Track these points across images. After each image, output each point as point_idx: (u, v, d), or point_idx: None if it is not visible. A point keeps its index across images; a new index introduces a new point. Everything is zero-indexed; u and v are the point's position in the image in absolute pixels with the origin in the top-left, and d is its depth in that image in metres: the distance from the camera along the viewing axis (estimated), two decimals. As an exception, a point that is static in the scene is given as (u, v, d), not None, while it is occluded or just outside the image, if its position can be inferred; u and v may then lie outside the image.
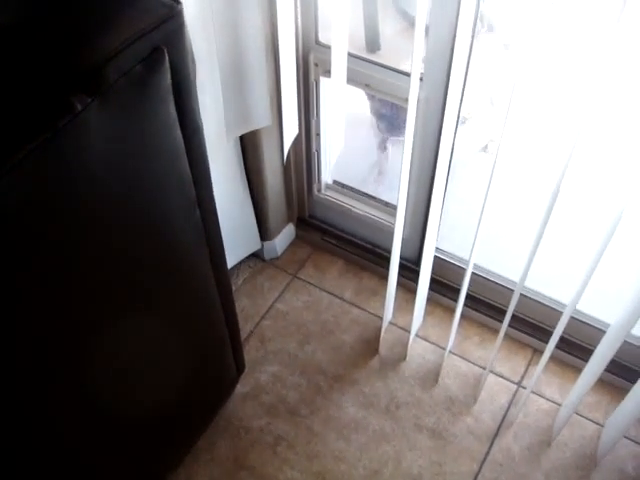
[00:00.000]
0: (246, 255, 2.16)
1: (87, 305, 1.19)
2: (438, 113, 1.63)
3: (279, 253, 2.20)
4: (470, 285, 1.80)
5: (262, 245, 2.17)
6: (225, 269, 1.62)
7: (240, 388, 1.92)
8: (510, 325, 1.88)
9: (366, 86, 1.77)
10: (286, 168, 2.00)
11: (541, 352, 1.79)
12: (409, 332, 1.97)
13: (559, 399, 1.91)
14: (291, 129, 1.81)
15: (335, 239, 2.18)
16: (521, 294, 1.81)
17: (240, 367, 1.86)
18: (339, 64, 1.63)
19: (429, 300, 2.01)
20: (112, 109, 1.01)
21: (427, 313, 2.04)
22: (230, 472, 1.81)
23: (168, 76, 1.09)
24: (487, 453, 1.83)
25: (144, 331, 1.40)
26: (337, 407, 1.90)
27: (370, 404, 1.91)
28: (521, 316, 1.97)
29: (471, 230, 1.61)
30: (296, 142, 1.95)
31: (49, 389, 1.22)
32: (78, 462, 1.41)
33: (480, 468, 1.81)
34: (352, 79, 1.73)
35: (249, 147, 1.87)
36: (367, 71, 1.71)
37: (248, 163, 1.93)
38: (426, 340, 2.02)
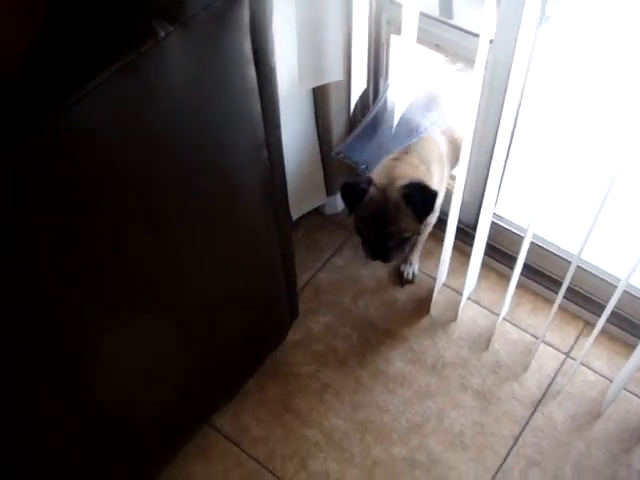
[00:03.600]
0: (310, 209, 2.21)
1: (150, 234, 1.26)
2: (505, 77, 1.64)
3: (339, 209, 2.25)
4: (527, 254, 1.81)
5: (326, 201, 2.21)
6: (287, 214, 1.68)
7: (292, 335, 1.99)
8: (564, 296, 1.89)
9: (436, 46, 1.78)
10: (353, 126, 2.04)
11: (593, 325, 1.80)
12: (462, 295, 2.00)
13: (607, 373, 1.92)
14: (359, 84, 1.85)
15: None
16: (577, 266, 1.82)
17: (293, 314, 1.92)
18: (410, 22, 1.65)
19: (484, 265, 2.02)
20: (192, 40, 1.06)
21: (481, 277, 2.06)
22: (276, 414, 1.88)
23: (246, 14, 1.14)
24: (529, 418, 1.85)
25: (204, 267, 1.47)
26: (385, 361, 1.95)
27: (418, 361, 1.95)
28: (575, 288, 1.97)
29: (532, 198, 1.63)
30: (364, 101, 1.99)
31: (116, 317, 1.31)
32: (136, 382, 1.49)
33: (521, 432, 1.84)
34: (422, 39, 1.75)
35: (319, 101, 1.91)
36: (438, 31, 1.73)
37: (318, 117, 1.97)
38: (478, 304, 2.05)
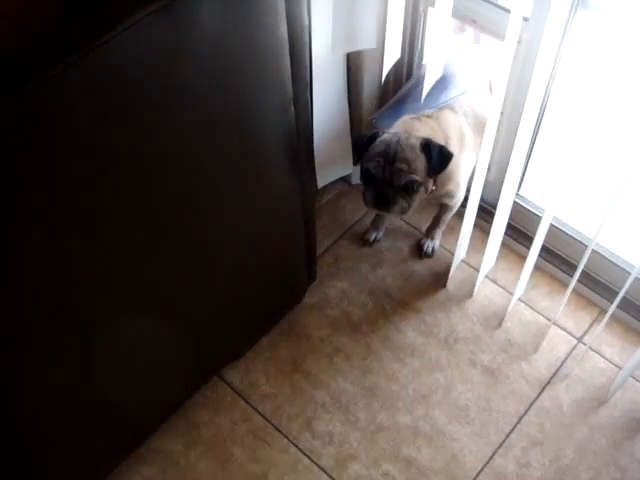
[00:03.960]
0: (337, 177, 2.24)
1: (176, 179, 1.30)
2: (536, 56, 1.64)
3: (366, 180, 2.26)
4: (545, 236, 1.82)
5: (352, 170, 2.23)
6: (312, 176, 1.70)
7: (308, 298, 2.02)
8: (580, 281, 1.91)
9: (472, 22, 1.79)
10: (384, 95, 2.05)
11: (607, 312, 1.81)
12: (479, 272, 2.01)
13: (618, 361, 1.92)
14: (393, 54, 1.85)
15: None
16: (594, 251, 1.83)
17: (311, 277, 1.95)
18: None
19: (503, 245, 2.03)
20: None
21: (500, 256, 2.07)
22: (286, 373, 1.91)
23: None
24: (536, 398, 1.87)
25: (224, 219, 1.50)
26: (397, 330, 1.98)
27: (430, 333, 1.97)
28: (592, 274, 1.97)
29: (555, 180, 1.63)
30: (398, 71, 2.00)
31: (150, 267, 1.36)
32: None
33: (526, 411, 1.85)
34: (459, 13, 1.76)
35: (352, 69, 1.92)
36: (474, 6, 1.73)
37: (350, 85, 1.98)
38: (495, 283, 2.06)
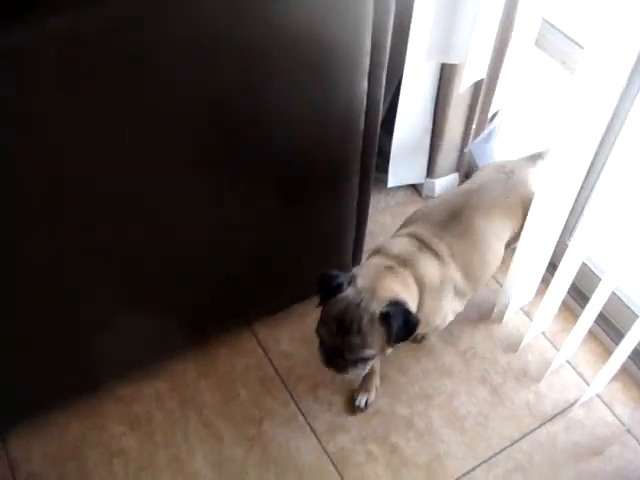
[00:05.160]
0: (408, 183, 2.37)
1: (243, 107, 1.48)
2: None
3: (435, 194, 2.38)
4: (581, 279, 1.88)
5: (424, 181, 2.36)
6: (371, 159, 1.81)
7: (349, 282, 2.15)
8: (605, 330, 1.95)
9: (562, 63, 1.88)
10: (469, 118, 2.17)
11: (631, 374, 1.85)
12: (514, 303, 2.08)
13: (626, 420, 1.94)
14: (477, 71, 1.96)
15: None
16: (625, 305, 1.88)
17: (356, 258, 2.07)
18: (532, 28, 1.76)
19: (543, 281, 2.09)
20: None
21: (538, 292, 2.12)
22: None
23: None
24: (533, 430, 1.91)
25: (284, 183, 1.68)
26: (421, 332, 2.07)
27: (452, 342, 2.06)
28: (619, 328, 2.01)
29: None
30: (486, 100, 2.11)
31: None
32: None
33: (521, 438, 1.89)
34: (549, 52, 1.86)
35: (443, 80, 2.07)
36: (566, 48, 1.83)
37: (439, 96, 2.12)
38: (527, 315, 2.12)
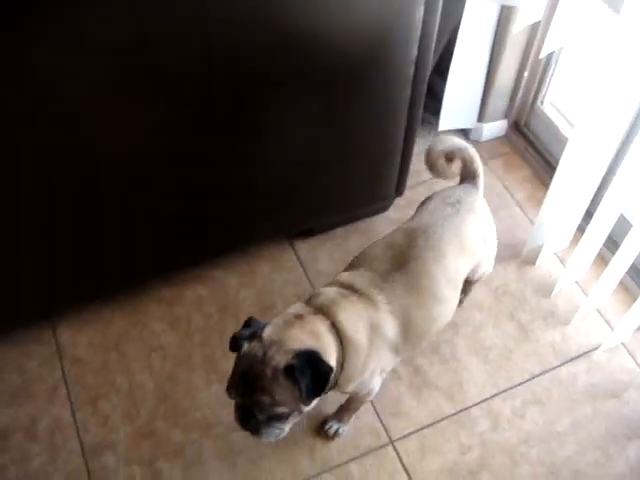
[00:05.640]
0: (458, 127, 2.42)
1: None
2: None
3: (482, 139, 2.44)
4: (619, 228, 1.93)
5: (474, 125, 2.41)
6: (422, 86, 1.85)
7: (392, 212, 2.24)
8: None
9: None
10: (522, 63, 2.21)
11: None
12: (548, 246, 2.13)
13: (648, 369, 1.99)
14: (533, 13, 2.00)
15: (537, 154, 2.37)
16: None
17: (399, 190, 2.15)
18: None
19: (578, 229, 2.13)
20: None
21: (573, 239, 2.17)
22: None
23: None
24: (555, 367, 1.97)
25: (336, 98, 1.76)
26: (456, 266, 2.14)
27: (484, 280, 2.11)
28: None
29: None
30: (540, 45, 2.14)
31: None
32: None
33: (542, 374, 1.96)
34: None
35: (501, 24, 2.12)
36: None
37: (494, 44, 2.17)
38: (561, 261, 2.17)
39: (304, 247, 2.17)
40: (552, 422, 1.89)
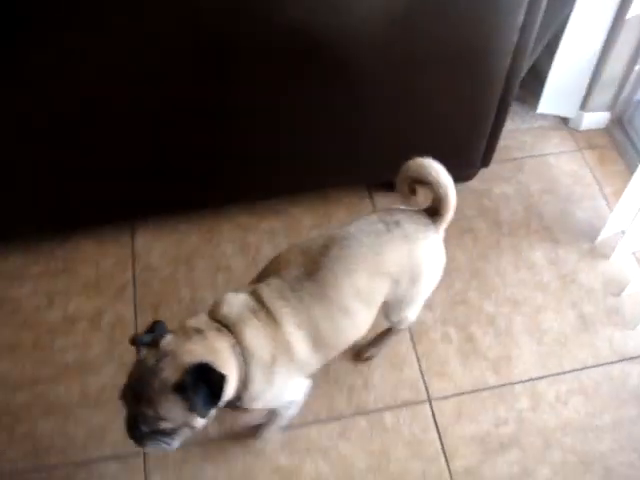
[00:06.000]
0: (557, 114, 2.39)
1: None
2: None
3: (580, 127, 2.41)
4: None
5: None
6: (522, 58, 1.84)
7: (475, 183, 2.25)
8: None
9: None
10: (632, 61, 2.18)
11: None
12: (626, 244, 2.10)
13: None
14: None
15: (635, 152, 2.32)
16: None
17: (485, 161, 2.14)
18: None
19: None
20: None
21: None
22: None
23: None
24: (608, 363, 1.95)
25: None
26: (530, 246, 2.15)
27: (555, 263, 2.11)
28: None
29: None
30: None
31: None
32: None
33: (594, 366, 1.94)
34: None
35: (618, 13, 2.07)
36: None
37: (611, 30, 2.12)
38: (637, 261, 2.13)
39: (383, 200, 2.20)
40: (593, 415, 1.87)
